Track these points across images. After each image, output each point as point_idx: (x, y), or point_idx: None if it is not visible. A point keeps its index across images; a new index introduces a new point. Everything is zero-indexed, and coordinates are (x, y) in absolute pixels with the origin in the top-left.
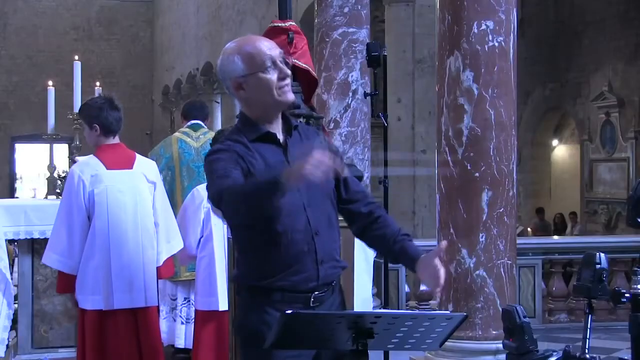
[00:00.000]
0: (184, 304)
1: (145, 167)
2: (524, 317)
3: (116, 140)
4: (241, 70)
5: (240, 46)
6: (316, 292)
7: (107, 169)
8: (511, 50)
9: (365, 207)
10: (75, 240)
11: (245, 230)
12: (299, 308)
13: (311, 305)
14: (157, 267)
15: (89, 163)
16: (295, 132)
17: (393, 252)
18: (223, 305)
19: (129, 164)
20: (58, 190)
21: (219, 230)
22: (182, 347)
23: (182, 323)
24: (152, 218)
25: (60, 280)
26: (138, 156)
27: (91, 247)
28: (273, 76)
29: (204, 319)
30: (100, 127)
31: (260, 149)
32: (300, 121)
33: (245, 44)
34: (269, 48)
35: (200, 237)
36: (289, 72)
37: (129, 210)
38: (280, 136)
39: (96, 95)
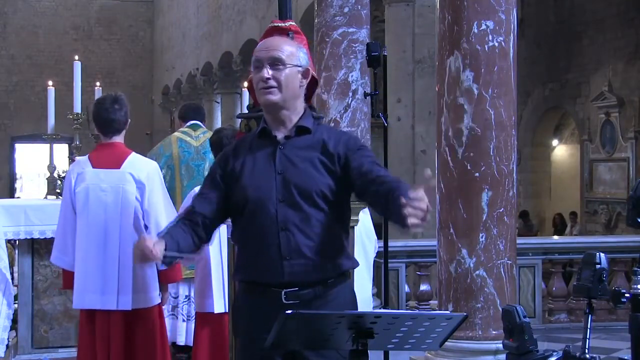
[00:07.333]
0: (185, 301)
1: (136, 168)
2: (524, 317)
3: (118, 139)
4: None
5: None
6: (287, 289)
7: (93, 167)
8: (511, 50)
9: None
10: (67, 237)
11: (233, 223)
12: (271, 303)
13: (284, 302)
14: (160, 271)
15: (80, 162)
16: (309, 135)
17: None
18: (219, 307)
19: (116, 164)
20: (58, 190)
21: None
22: (183, 344)
23: (184, 320)
24: (137, 220)
25: (64, 277)
26: (132, 156)
27: (79, 244)
28: (256, 76)
29: (202, 320)
30: (95, 125)
31: (258, 145)
32: (319, 123)
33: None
34: (260, 49)
35: None
36: (265, 75)
37: (110, 210)
38: (280, 134)
39: (97, 94)
